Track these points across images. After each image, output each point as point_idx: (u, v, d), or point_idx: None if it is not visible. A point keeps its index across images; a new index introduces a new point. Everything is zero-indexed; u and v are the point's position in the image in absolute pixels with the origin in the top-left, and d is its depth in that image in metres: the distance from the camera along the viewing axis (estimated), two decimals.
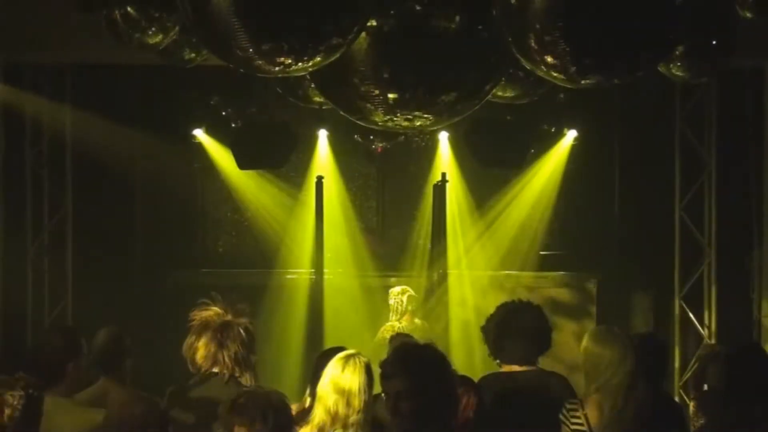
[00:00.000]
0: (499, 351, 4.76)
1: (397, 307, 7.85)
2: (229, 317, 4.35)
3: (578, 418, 4.19)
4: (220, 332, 4.32)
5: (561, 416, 4.24)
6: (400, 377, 3.42)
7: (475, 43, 4.00)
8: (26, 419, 3.42)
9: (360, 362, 4.04)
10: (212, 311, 4.37)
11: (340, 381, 3.98)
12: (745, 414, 4.16)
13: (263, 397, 3.42)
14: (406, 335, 5.26)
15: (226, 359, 4.31)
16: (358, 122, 4.49)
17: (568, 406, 4.26)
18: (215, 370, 4.35)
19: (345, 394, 3.95)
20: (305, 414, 4.16)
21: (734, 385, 4.29)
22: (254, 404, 3.37)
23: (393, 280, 8.97)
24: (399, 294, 7.93)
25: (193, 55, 4.98)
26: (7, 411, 3.37)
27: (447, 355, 3.57)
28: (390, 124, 4.21)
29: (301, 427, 3.99)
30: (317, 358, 5.03)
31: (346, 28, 3.57)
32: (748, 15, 4.35)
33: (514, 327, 4.73)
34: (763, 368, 4.30)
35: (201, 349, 4.35)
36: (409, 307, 7.88)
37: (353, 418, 3.94)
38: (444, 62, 3.99)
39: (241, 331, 4.34)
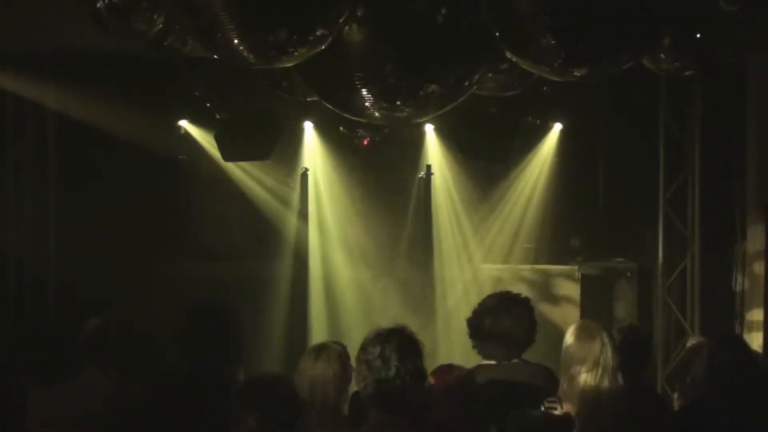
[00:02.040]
0: (481, 344, 4.78)
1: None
2: (218, 313, 4.36)
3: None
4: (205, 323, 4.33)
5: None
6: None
7: (461, 35, 4.00)
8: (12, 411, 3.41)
9: (331, 352, 4.13)
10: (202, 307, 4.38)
11: (314, 373, 4.05)
12: (727, 405, 4.19)
13: (268, 384, 3.40)
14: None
15: (215, 354, 4.32)
16: (343, 114, 4.48)
17: (547, 404, 4.26)
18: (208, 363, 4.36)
19: (319, 384, 4.01)
20: None
21: (716, 377, 4.32)
22: (259, 392, 3.35)
23: (379, 272, 8.98)
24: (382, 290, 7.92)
25: (178, 45, 4.96)
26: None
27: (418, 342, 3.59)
28: (375, 116, 4.21)
29: None
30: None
31: (332, 20, 3.57)
32: (732, 8, 4.37)
33: (496, 321, 4.73)
34: (745, 360, 4.33)
35: (193, 344, 4.36)
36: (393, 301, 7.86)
37: (330, 405, 4.05)
38: (428, 54, 3.99)
39: (229, 329, 4.34)
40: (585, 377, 4.21)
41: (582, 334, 4.31)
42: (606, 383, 4.19)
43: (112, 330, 4.79)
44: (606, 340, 4.28)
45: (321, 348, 4.18)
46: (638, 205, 9.00)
